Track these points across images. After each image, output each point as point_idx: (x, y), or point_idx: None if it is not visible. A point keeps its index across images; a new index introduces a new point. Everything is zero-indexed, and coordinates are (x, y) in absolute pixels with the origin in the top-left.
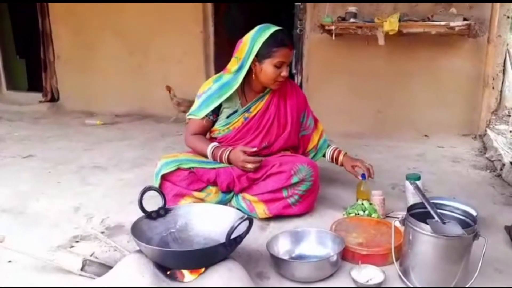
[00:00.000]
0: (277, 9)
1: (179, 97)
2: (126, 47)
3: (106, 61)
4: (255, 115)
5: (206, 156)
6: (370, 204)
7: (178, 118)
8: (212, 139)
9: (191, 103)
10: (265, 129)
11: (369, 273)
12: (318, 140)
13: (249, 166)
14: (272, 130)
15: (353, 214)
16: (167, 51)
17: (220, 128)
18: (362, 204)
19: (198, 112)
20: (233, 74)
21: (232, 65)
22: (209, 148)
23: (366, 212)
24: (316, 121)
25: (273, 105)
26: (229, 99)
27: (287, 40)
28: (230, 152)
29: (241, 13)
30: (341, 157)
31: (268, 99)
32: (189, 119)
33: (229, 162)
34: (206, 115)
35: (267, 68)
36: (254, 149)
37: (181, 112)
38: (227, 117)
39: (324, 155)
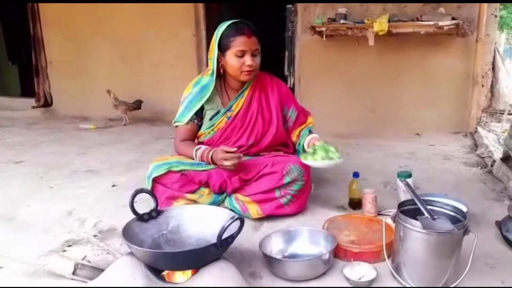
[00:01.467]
0: (268, 12)
1: (118, 100)
2: (118, 51)
3: (98, 65)
4: (237, 113)
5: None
6: (325, 146)
7: (128, 120)
8: (200, 143)
9: (127, 105)
10: (250, 126)
11: (361, 270)
12: (302, 130)
13: (227, 163)
14: (257, 127)
15: (310, 158)
16: (159, 55)
17: (205, 131)
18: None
19: (182, 118)
20: (210, 75)
21: (209, 66)
22: (194, 151)
23: (322, 153)
24: (304, 114)
25: (254, 100)
26: (209, 100)
27: (243, 28)
28: (213, 152)
29: (233, 17)
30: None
31: (249, 95)
32: (176, 126)
33: (214, 162)
34: (190, 119)
35: (230, 60)
36: (234, 149)
37: (124, 114)
38: (210, 119)
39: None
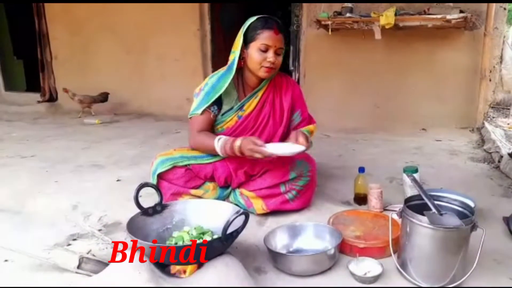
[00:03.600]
0: (274, 6)
1: (80, 94)
2: (123, 46)
3: (103, 60)
4: (249, 113)
5: (214, 153)
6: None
7: (84, 112)
8: None
9: (93, 98)
10: (261, 127)
11: (367, 266)
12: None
13: (257, 155)
14: (268, 129)
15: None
16: (164, 50)
17: (216, 127)
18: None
19: (198, 109)
20: (228, 67)
21: (230, 59)
22: (216, 141)
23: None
24: (309, 122)
25: (268, 103)
26: (227, 94)
27: (271, 23)
28: (242, 141)
29: (238, 10)
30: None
31: (263, 96)
32: (190, 118)
33: (240, 151)
34: (211, 110)
35: (252, 53)
36: (262, 143)
37: (86, 108)
38: (222, 115)
39: None
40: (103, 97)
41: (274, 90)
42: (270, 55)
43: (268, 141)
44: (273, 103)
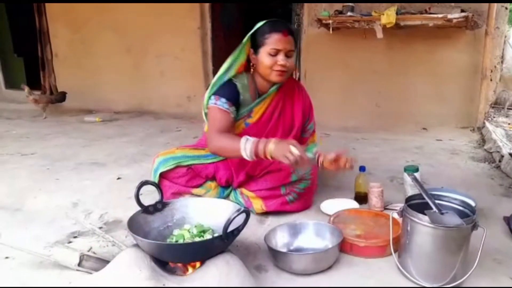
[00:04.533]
0: (274, 4)
1: (36, 94)
2: (124, 44)
3: (104, 58)
4: (257, 121)
5: (238, 156)
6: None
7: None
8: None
9: (49, 98)
10: (269, 135)
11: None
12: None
13: (290, 156)
14: (277, 136)
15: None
16: (165, 48)
17: None
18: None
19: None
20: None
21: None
22: (243, 142)
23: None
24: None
25: (277, 110)
26: (244, 98)
27: (280, 25)
28: (277, 143)
29: (238, 9)
30: (321, 158)
31: (273, 104)
32: (209, 109)
33: (271, 155)
34: (230, 111)
35: (262, 58)
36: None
37: (43, 108)
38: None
39: None
40: (60, 97)
41: (284, 98)
42: (280, 58)
43: None
44: (284, 110)
